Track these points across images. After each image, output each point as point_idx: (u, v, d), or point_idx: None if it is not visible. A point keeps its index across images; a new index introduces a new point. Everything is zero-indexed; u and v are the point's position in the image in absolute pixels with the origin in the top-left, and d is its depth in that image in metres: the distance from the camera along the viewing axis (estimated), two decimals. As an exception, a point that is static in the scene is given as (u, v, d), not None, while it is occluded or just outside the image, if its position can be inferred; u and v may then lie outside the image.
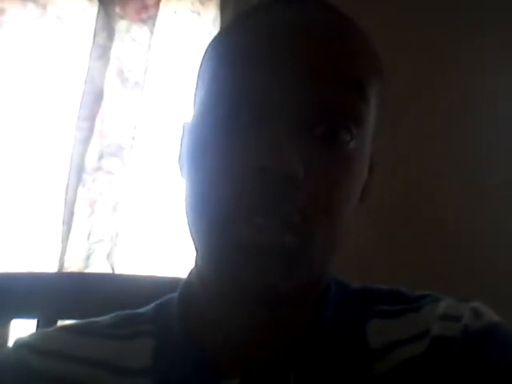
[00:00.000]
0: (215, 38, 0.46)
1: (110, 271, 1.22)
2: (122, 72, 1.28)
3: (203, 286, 0.45)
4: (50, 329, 0.50)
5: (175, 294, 0.49)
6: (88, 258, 1.21)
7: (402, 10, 1.33)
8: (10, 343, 0.47)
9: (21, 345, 0.46)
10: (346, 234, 0.42)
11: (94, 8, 1.28)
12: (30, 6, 1.28)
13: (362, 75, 0.40)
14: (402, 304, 0.47)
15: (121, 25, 1.28)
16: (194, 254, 0.46)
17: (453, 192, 1.34)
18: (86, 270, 1.19)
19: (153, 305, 0.50)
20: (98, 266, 1.21)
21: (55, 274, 1.07)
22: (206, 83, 0.43)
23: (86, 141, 1.24)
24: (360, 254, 1.19)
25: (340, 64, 0.39)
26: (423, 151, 1.32)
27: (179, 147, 0.49)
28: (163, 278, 0.73)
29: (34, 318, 0.69)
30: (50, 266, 1.21)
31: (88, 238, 1.22)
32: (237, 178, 0.38)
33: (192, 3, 1.37)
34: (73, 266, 1.19)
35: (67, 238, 1.21)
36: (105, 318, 0.49)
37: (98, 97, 1.26)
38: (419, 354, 0.43)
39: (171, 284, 0.50)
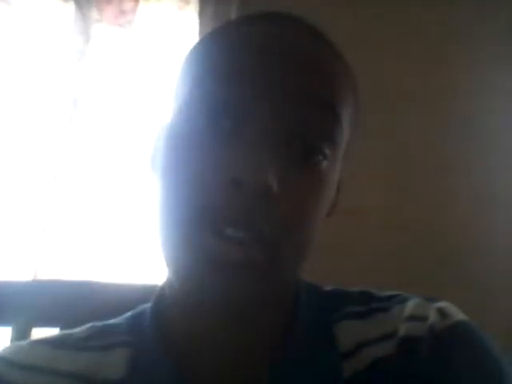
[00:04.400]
0: (192, 50, 0.46)
1: (85, 279, 1.21)
2: (98, 76, 1.28)
3: (173, 297, 0.45)
4: (25, 342, 0.49)
5: (149, 305, 0.49)
6: (63, 265, 1.19)
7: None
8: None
9: None
10: (314, 245, 0.43)
11: (71, 12, 1.27)
12: (3, 7, 1.27)
13: (336, 99, 0.40)
14: (372, 304, 0.48)
15: (97, 29, 1.28)
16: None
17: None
18: (61, 278, 1.18)
19: (127, 315, 0.50)
20: (73, 273, 1.20)
21: (29, 281, 1.05)
22: (185, 93, 0.43)
23: (61, 146, 1.23)
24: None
25: (313, 86, 0.39)
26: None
27: (152, 148, 0.48)
28: (139, 285, 0.73)
29: (7, 325, 0.68)
30: (24, 274, 1.19)
31: (62, 246, 1.20)
32: (211, 189, 0.37)
33: (170, 8, 1.37)
34: (47, 273, 1.17)
35: (41, 245, 1.19)
36: (80, 330, 0.49)
37: (73, 101, 1.24)
38: (388, 355, 0.44)
39: (147, 291, 0.50)
